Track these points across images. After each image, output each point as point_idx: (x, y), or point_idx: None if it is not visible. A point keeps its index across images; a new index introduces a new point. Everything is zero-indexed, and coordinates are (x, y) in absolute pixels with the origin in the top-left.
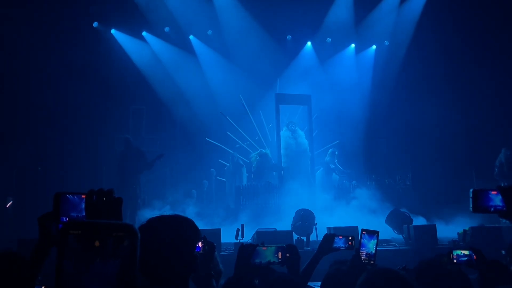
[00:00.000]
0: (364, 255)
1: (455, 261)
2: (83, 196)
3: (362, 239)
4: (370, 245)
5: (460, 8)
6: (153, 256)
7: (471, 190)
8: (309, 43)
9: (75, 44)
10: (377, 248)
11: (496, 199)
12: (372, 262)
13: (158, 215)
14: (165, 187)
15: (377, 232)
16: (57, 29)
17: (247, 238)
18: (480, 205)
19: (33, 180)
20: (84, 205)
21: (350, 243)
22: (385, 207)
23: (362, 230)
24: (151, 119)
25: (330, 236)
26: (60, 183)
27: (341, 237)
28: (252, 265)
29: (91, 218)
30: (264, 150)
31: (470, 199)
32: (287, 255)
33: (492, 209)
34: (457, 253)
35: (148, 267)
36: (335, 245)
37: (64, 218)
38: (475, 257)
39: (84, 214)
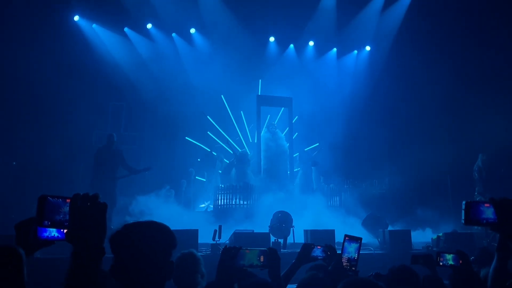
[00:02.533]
0: (346, 261)
1: (441, 263)
2: (68, 200)
3: (344, 244)
4: (351, 250)
5: (441, 16)
6: (127, 262)
7: (463, 202)
8: (291, 46)
9: (54, 37)
10: (359, 256)
11: (488, 211)
12: (353, 268)
13: (134, 221)
14: (143, 186)
15: (360, 239)
16: (36, 20)
17: (224, 239)
18: (472, 217)
19: (7, 175)
20: (68, 209)
21: (328, 253)
22: (362, 211)
23: (345, 235)
24: (131, 115)
25: (308, 246)
26: (35, 177)
27: (320, 246)
28: (235, 267)
29: (75, 223)
30: (242, 151)
31: (463, 211)
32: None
33: (484, 221)
34: (444, 255)
35: (123, 273)
36: (313, 254)
37: (47, 222)
38: (460, 262)
39: (67, 218)
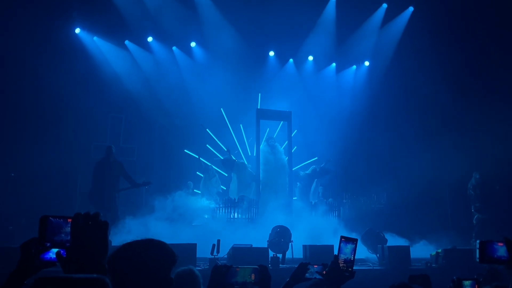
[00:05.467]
0: (342, 262)
1: None
2: (69, 220)
3: (340, 245)
4: (348, 251)
5: (441, 30)
6: (127, 283)
7: (477, 241)
8: (291, 60)
9: (55, 50)
10: (355, 258)
11: (502, 250)
12: (350, 269)
13: (132, 240)
14: (141, 199)
15: (356, 240)
16: (36, 32)
17: (223, 253)
18: (487, 255)
19: (5, 186)
20: (69, 229)
21: (325, 272)
22: (360, 226)
23: (341, 237)
24: (130, 128)
25: (304, 265)
26: (33, 190)
27: (316, 265)
28: (226, 286)
29: (77, 242)
30: (241, 161)
31: (477, 250)
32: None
33: (497, 258)
34: (464, 283)
35: None
36: (309, 274)
37: (48, 243)
38: (476, 287)
39: (69, 238)
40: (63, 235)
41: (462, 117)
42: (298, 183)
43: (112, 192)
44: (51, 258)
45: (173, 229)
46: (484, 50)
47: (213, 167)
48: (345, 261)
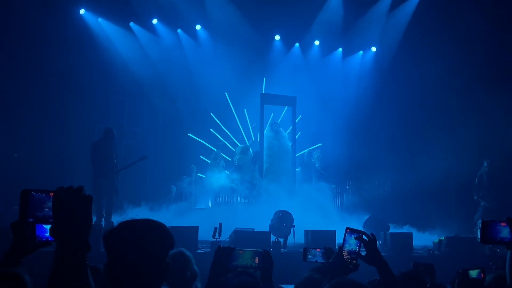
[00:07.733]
0: (347, 254)
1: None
2: (51, 194)
3: (345, 237)
4: (353, 242)
5: (449, 17)
6: (122, 262)
7: (480, 220)
8: (297, 45)
9: (59, 30)
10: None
11: (505, 231)
12: (354, 262)
13: (130, 218)
14: (144, 181)
15: (363, 232)
16: (41, 12)
17: (225, 237)
18: (489, 236)
19: (9, 166)
20: (51, 204)
21: (329, 260)
22: (363, 212)
23: (347, 228)
24: (133, 111)
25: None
26: (36, 171)
27: (319, 249)
28: (228, 268)
29: (59, 218)
30: (245, 145)
31: (479, 230)
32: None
33: (499, 239)
34: (470, 272)
35: (117, 273)
36: (312, 257)
37: (31, 218)
38: (482, 275)
39: (51, 213)
40: (46, 209)
41: (471, 106)
42: (298, 167)
43: (114, 173)
44: (47, 238)
45: (176, 211)
46: (497, 33)
47: (220, 152)
48: (350, 252)
